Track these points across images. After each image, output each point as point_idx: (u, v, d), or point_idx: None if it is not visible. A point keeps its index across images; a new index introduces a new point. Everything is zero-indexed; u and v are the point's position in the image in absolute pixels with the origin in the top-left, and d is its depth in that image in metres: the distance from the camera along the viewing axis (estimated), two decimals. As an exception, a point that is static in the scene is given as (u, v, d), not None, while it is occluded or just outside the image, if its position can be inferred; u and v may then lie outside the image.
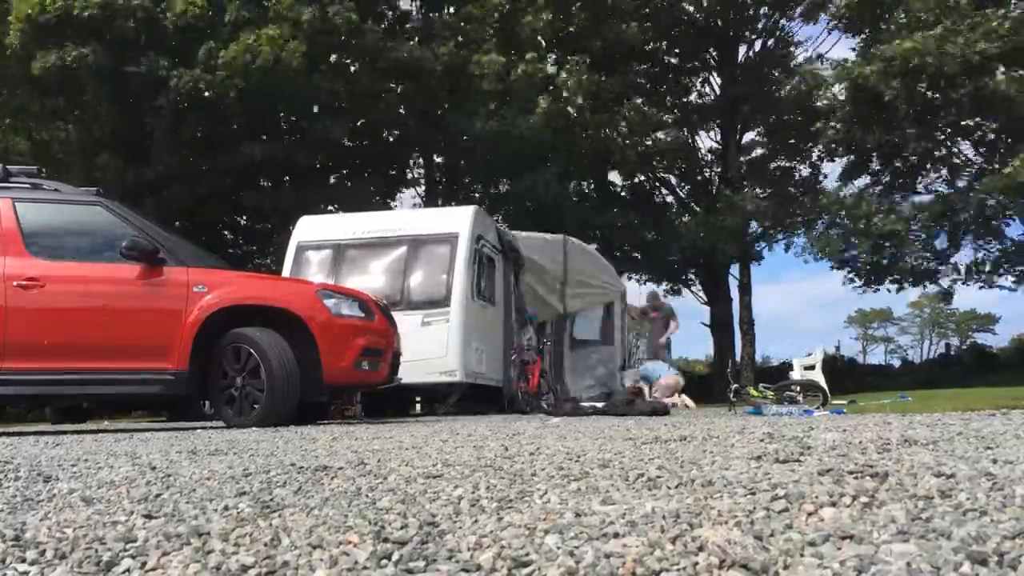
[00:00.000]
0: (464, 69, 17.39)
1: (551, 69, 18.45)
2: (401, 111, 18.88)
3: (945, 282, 22.46)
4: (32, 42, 15.68)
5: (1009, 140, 19.15)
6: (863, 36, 20.56)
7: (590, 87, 18.24)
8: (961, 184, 20.51)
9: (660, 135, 22.46)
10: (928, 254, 21.49)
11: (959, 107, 17.95)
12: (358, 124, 18.98)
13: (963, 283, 22.03)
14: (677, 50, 23.78)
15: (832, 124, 19.91)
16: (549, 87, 18.11)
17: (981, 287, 21.54)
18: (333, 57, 17.50)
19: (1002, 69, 16.33)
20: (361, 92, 17.63)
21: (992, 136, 19.86)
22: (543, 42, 18.95)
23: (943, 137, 19.93)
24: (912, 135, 18.52)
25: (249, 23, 16.19)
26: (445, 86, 17.69)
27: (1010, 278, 21.42)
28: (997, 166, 17.94)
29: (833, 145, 20.40)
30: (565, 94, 17.98)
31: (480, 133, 17.20)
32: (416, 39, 18.63)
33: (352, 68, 18.38)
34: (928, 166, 20.99)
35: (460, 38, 18.03)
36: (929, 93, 18.14)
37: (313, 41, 16.12)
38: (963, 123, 19.57)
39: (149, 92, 16.85)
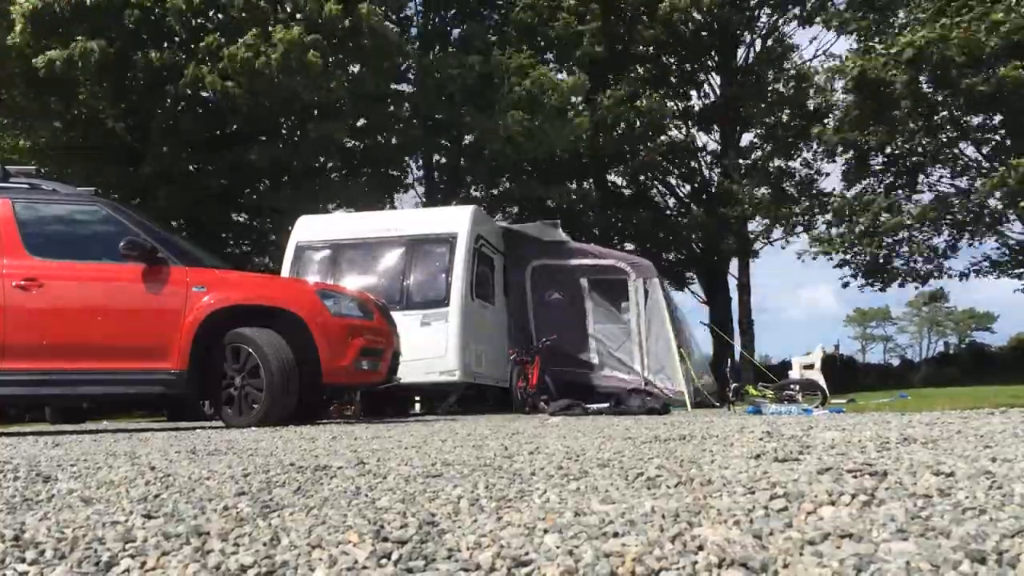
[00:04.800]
0: (489, 74, 17.32)
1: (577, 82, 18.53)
2: (405, 110, 18.85)
3: (943, 280, 22.54)
4: (34, 38, 15.62)
5: (1008, 142, 19.14)
6: (860, 34, 20.54)
7: (625, 109, 18.49)
8: (962, 184, 20.53)
9: (664, 137, 22.58)
10: (927, 254, 21.49)
11: (967, 99, 17.85)
12: (359, 125, 18.93)
13: (962, 279, 22.06)
14: (679, 50, 23.84)
15: (827, 124, 19.88)
16: (582, 103, 18.24)
17: (987, 274, 21.55)
18: (332, 58, 17.43)
19: (1015, 62, 16.22)
20: (365, 94, 17.60)
21: (996, 136, 19.82)
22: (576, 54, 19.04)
23: (946, 139, 19.89)
24: (915, 130, 18.46)
25: (253, 20, 16.13)
26: (461, 89, 17.63)
27: (1012, 278, 21.45)
28: (1000, 167, 17.93)
29: (836, 147, 20.33)
30: (602, 112, 18.16)
31: (502, 136, 17.08)
32: (417, 44, 18.61)
33: (355, 68, 18.33)
34: (930, 165, 20.95)
35: (483, 43, 18.04)
36: (933, 89, 18.10)
37: (328, 42, 15.99)
38: (965, 121, 19.53)
39: (151, 89, 16.79)
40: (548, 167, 19.11)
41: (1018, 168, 16.24)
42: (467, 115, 17.64)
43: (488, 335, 10.65)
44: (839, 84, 20.16)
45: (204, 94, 16.18)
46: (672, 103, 23.54)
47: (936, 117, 18.91)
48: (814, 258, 21.86)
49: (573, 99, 18.24)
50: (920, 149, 19.72)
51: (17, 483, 2.29)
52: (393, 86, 18.29)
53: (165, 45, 16.77)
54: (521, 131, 16.84)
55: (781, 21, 23.70)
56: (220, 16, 16.28)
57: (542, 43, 18.57)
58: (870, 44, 18.56)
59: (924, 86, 17.99)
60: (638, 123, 19.26)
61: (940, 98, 18.48)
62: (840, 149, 20.57)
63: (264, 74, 15.36)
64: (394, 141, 19.64)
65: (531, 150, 17.71)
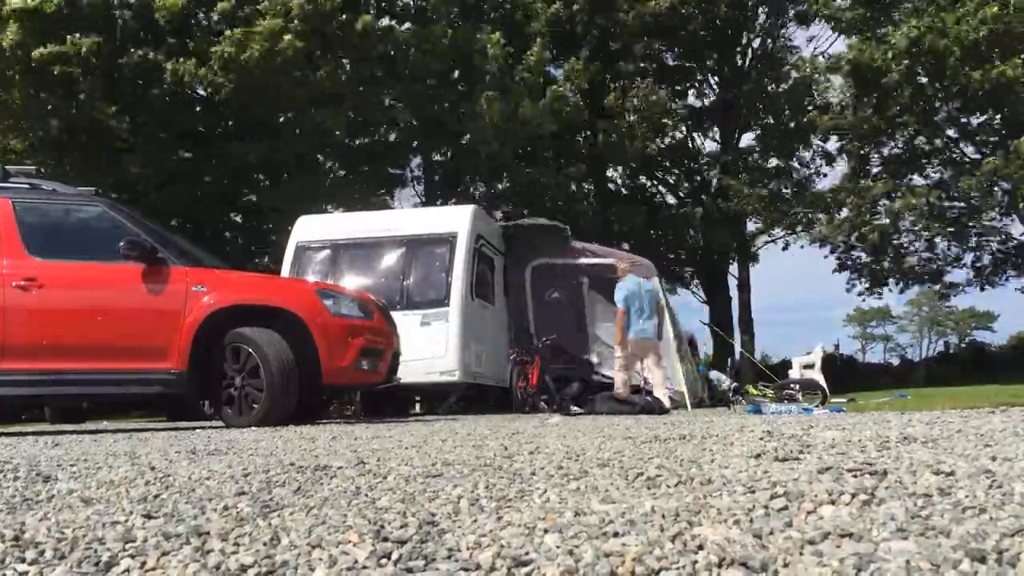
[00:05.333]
0: (467, 52, 17.31)
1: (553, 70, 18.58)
2: (398, 104, 18.82)
3: (948, 280, 22.59)
4: (30, 36, 15.67)
5: (1005, 133, 19.12)
6: (857, 32, 20.54)
7: (588, 76, 18.49)
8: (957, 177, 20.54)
9: (664, 140, 22.62)
10: (931, 255, 21.51)
11: (965, 96, 17.83)
12: (354, 118, 18.93)
13: (966, 288, 22.16)
14: (676, 49, 23.85)
15: (827, 116, 19.87)
16: (551, 86, 18.23)
17: (984, 287, 21.66)
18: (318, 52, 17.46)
19: (1016, 59, 16.25)
20: (352, 81, 17.60)
21: (996, 136, 19.80)
22: (544, 38, 19.01)
23: (947, 140, 19.86)
24: (913, 122, 18.43)
25: (239, 18, 16.21)
26: (446, 78, 17.63)
27: (1012, 278, 21.50)
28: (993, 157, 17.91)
29: (832, 136, 20.34)
30: (564, 91, 18.14)
31: (483, 123, 17.06)
32: (408, 24, 18.56)
33: (343, 60, 18.34)
34: (928, 161, 20.95)
35: (454, 16, 18.07)
36: (928, 81, 18.10)
37: (304, 34, 16.08)
38: (966, 120, 19.51)
39: (142, 83, 16.86)
40: (542, 151, 19.25)
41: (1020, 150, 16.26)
42: (446, 100, 17.68)
43: (488, 335, 10.65)
44: (836, 77, 20.13)
45: (198, 92, 16.26)
46: (671, 100, 23.52)
47: (936, 117, 18.89)
48: (820, 246, 21.79)
49: (561, 85, 18.33)
50: (917, 143, 19.71)
51: (17, 483, 2.29)
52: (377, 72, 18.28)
53: (151, 38, 16.88)
54: (499, 113, 16.83)
55: (780, 21, 23.70)
56: (209, 15, 16.42)
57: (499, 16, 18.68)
58: (867, 36, 18.53)
59: (920, 78, 17.97)
60: (635, 114, 19.27)
61: (939, 93, 18.47)
62: (838, 143, 20.56)
63: (248, 68, 15.45)
64: (389, 138, 19.65)
65: (516, 131, 17.73)
